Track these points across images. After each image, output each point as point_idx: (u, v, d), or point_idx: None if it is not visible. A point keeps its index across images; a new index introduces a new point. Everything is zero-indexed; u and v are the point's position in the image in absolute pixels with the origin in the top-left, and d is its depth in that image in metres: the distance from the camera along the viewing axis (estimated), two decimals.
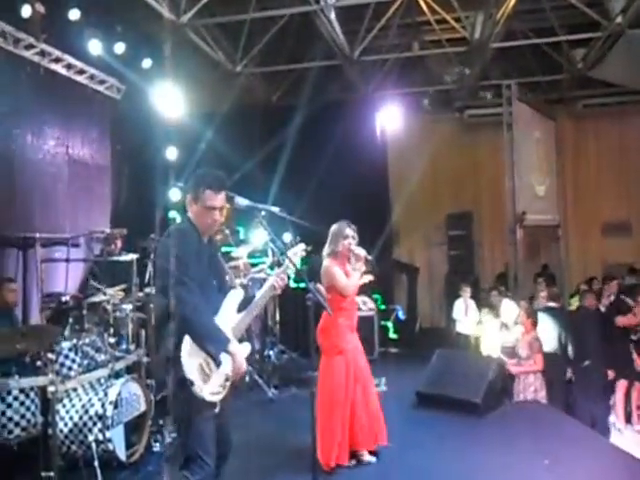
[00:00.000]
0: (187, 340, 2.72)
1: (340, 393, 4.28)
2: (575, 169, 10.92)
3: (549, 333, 6.24)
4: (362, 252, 4.41)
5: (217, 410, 2.81)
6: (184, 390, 2.70)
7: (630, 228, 10.61)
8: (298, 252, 3.20)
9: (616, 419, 6.47)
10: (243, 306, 3.06)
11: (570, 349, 6.34)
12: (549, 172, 10.09)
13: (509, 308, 6.93)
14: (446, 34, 8.59)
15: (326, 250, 4.47)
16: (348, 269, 4.45)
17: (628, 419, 6.49)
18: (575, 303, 6.98)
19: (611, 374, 6.47)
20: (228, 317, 2.96)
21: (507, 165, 8.65)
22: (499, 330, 6.82)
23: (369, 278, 4.59)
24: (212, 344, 2.76)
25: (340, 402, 4.27)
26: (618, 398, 6.49)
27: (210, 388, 2.76)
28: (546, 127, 10.11)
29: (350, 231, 4.42)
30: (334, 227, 4.47)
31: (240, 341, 3.07)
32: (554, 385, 5.95)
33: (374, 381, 4.84)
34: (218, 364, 2.80)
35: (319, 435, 4.16)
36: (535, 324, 6.01)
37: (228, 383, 2.87)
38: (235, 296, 3.04)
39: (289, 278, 3.29)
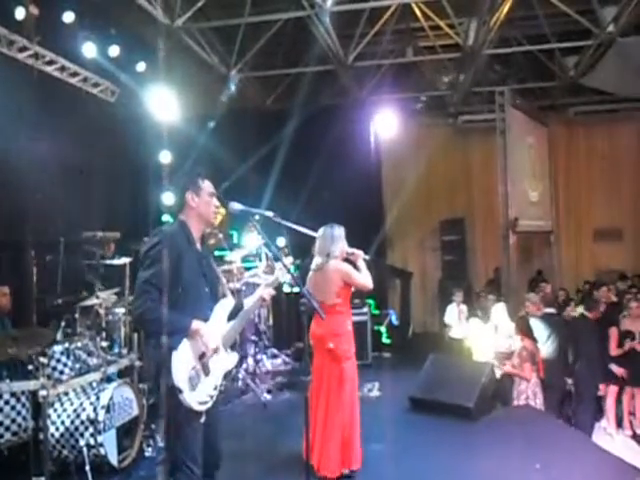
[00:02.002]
0: (179, 348, 2.70)
1: (355, 398, 4.26)
2: (567, 175, 11.00)
3: (546, 339, 6.23)
4: (357, 251, 4.42)
5: (203, 420, 2.81)
6: (173, 398, 2.68)
7: (621, 234, 10.69)
8: (288, 265, 3.17)
9: (607, 424, 6.50)
10: (233, 314, 3.05)
11: (567, 355, 6.36)
12: (542, 178, 10.15)
13: (501, 312, 6.95)
14: (440, 40, 8.63)
15: (330, 253, 4.30)
16: None
17: (619, 424, 6.52)
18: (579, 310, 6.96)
19: (603, 388, 6.50)
20: (218, 326, 2.94)
21: (500, 171, 8.69)
22: (492, 334, 6.83)
23: None
24: (175, 334, 2.71)
25: (356, 407, 4.24)
26: (609, 403, 6.52)
27: (198, 397, 2.75)
28: (539, 133, 10.17)
29: None
30: (333, 231, 4.36)
31: (231, 348, 3.07)
32: (550, 390, 5.95)
33: (367, 385, 4.84)
34: (207, 373, 2.80)
35: (332, 441, 4.07)
36: (524, 333, 5.99)
37: (216, 392, 2.88)
38: (226, 305, 3.02)
39: (283, 284, 3.30)
